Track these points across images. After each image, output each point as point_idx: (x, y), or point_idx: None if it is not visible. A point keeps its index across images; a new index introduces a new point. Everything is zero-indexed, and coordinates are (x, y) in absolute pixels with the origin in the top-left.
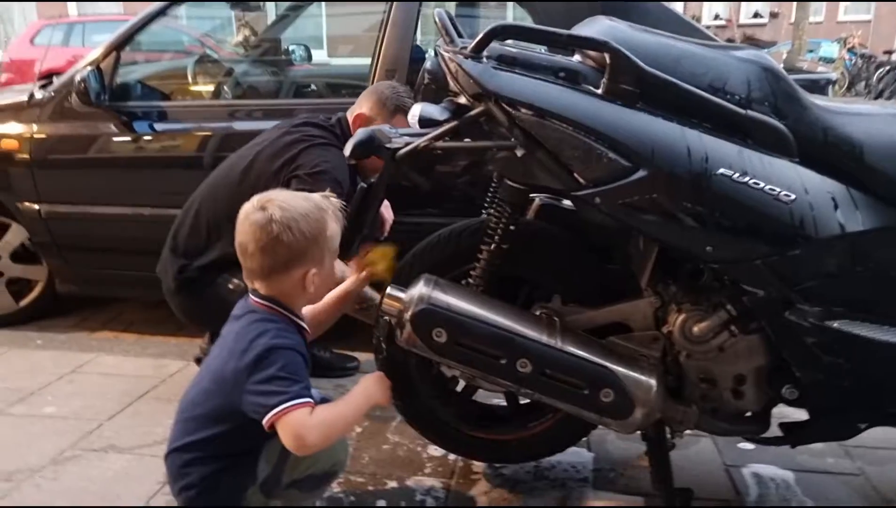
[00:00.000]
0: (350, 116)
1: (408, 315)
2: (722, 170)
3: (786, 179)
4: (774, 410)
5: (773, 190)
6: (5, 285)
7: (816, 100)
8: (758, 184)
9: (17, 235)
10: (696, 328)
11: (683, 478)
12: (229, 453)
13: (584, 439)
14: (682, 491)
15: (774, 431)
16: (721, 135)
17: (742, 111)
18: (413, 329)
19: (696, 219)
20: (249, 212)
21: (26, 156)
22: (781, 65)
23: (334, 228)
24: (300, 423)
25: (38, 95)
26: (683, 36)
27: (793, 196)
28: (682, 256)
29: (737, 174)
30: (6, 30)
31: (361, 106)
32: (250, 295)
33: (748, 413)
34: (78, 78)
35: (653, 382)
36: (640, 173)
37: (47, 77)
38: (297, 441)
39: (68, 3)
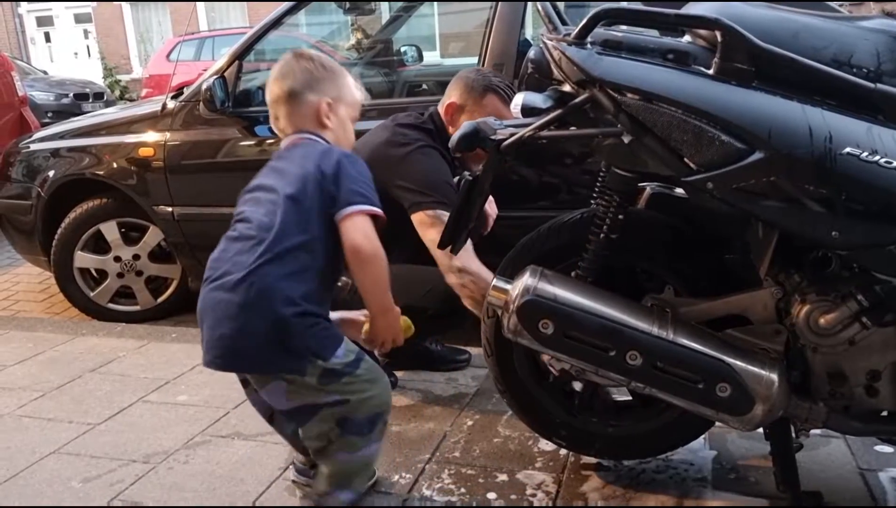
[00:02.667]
0: (441, 107)
1: (513, 307)
2: (848, 149)
3: None
4: None
5: None
6: (144, 283)
7: None
8: (890, 163)
9: (154, 236)
10: (822, 320)
11: (812, 481)
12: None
13: (704, 436)
14: (810, 495)
15: None
16: (847, 112)
17: (871, 85)
18: (519, 321)
19: (820, 203)
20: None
21: (160, 162)
22: None
23: (352, 83)
24: (371, 229)
25: (170, 104)
26: (806, 9)
27: None
28: (806, 243)
29: (865, 153)
30: (146, 48)
31: (450, 95)
32: (282, 144)
33: (884, 413)
34: (204, 87)
35: (774, 377)
36: (757, 156)
37: (179, 91)
38: (365, 242)
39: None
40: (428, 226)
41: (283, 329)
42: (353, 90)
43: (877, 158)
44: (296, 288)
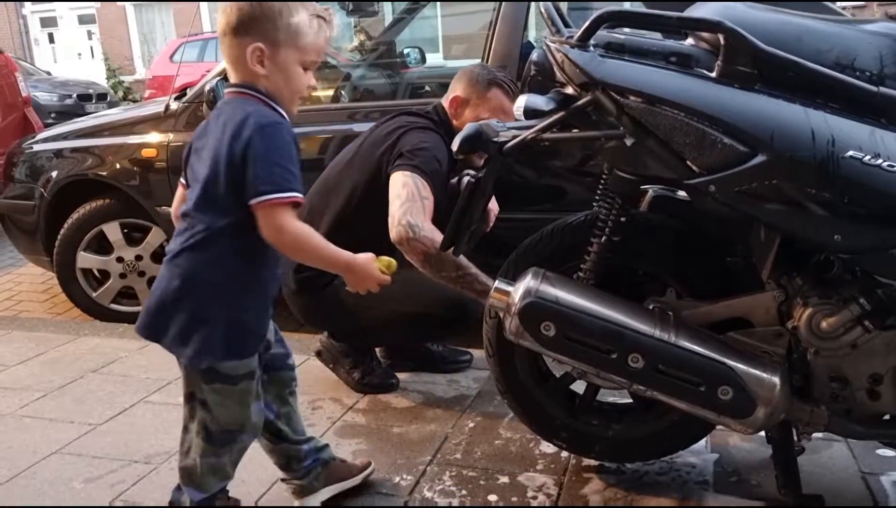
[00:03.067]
0: (445, 101)
1: (515, 309)
2: (851, 152)
3: None
4: None
5: None
6: (147, 283)
7: None
8: (893, 166)
9: (156, 237)
10: (825, 324)
11: (813, 485)
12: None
13: (706, 439)
14: (812, 498)
15: None
16: (850, 115)
17: (873, 89)
18: (521, 323)
19: (822, 206)
20: None
21: (163, 163)
22: None
23: (304, 22)
24: (285, 219)
25: (174, 105)
26: (809, 13)
27: None
28: (808, 246)
29: (868, 156)
30: (149, 49)
31: (455, 89)
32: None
33: (886, 416)
34: (207, 88)
35: (776, 380)
36: (759, 159)
37: (182, 91)
38: (278, 235)
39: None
40: (399, 186)
41: (191, 316)
42: (304, 31)
43: (879, 161)
44: (218, 274)
